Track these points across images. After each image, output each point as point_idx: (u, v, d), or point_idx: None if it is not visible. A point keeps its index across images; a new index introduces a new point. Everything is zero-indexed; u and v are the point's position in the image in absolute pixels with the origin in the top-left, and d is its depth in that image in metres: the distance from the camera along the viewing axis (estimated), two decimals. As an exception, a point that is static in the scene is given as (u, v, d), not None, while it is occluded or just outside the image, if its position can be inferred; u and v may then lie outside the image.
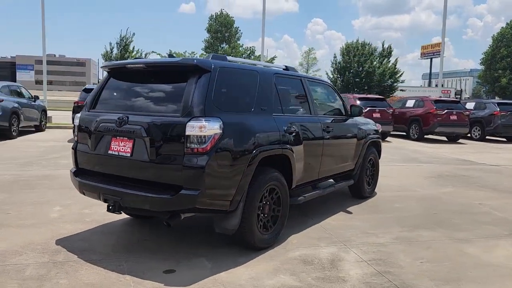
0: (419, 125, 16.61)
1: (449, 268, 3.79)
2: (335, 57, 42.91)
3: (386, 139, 15.90)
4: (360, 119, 6.19)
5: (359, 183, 6.10)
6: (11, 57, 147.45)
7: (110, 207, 3.71)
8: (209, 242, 4.21)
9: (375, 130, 6.47)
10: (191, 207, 3.43)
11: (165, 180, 3.50)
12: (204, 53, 46.45)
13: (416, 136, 16.72)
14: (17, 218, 4.85)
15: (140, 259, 3.77)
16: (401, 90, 42.66)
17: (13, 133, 12.33)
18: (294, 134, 4.40)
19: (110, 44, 43.95)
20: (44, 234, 4.32)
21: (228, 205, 3.65)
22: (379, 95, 22.88)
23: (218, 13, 48.99)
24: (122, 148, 3.72)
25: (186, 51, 45.86)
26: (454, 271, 3.71)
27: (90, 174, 4.04)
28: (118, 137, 3.76)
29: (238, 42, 48.48)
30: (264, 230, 4.08)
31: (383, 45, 41.04)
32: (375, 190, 6.72)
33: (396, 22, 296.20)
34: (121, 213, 3.76)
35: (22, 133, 13.48)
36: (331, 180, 5.71)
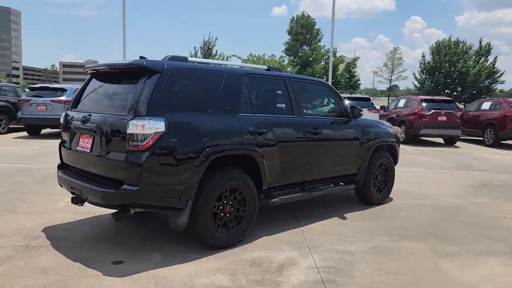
0: (494, 129, 15.13)
1: (406, 282, 3.50)
2: (423, 56, 40.73)
3: (455, 145, 14.76)
4: (366, 121, 5.90)
5: (364, 189, 5.80)
6: (93, 60, 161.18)
7: (73, 199, 4.01)
8: (176, 238, 4.32)
9: (386, 133, 6.11)
10: (131, 202, 3.59)
11: (113, 175, 3.70)
12: (284, 55, 46.79)
13: (491, 141, 15.25)
14: (29, 206, 5.40)
15: (101, 249, 4.02)
16: (500, 91, 39.12)
17: None
18: (264, 134, 4.35)
19: (195, 48, 46.19)
20: (39, 221, 4.77)
21: (177, 202, 3.74)
22: (448, 97, 21.14)
23: (300, 15, 48.95)
24: (85, 145, 4.01)
25: (265, 53, 46.67)
26: (408, 286, 3.42)
27: (69, 168, 4.40)
28: (82, 134, 4.06)
29: (319, 43, 48.06)
30: (224, 229, 4.10)
31: (480, 43, 38.01)
32: (391, 197, 6.35)
33: (508, 16, 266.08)
34: (83, 204, 4.02)
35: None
36: (331, 183, 5.51)
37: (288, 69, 45.94)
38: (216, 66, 4.46)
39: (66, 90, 13.63)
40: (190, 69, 4.05)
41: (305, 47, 48.71)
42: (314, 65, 45.97)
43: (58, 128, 12.56)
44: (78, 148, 4.12)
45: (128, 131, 3.54)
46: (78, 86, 15.42)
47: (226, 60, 46.57)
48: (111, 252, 3.96)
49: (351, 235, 4.63)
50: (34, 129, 13.85)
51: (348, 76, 47.18)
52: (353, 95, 18.43)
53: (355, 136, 5.55)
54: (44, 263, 3.67)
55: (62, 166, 4.51)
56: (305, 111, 5.04)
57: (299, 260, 3.90)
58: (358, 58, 50.49)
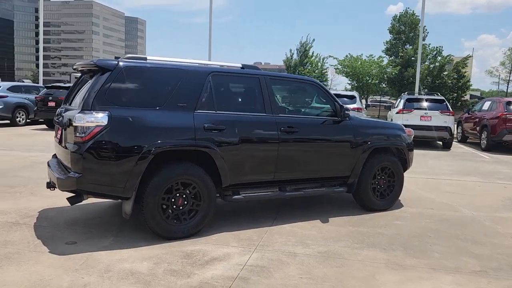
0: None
1: (321, 289, 3.33)
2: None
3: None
4: (364, 122, 5.59)
5: (360, 193, 5.50)
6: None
7: (47, 184, 4.52)
8: (143, 227, 4.56)
9: (390, 135, 5.70)
10: (75, 189, 3.95)
11: (67, 164, 4.11)
12: (384, 55, 44.84)
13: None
14: (43, 190, 6.08)
15: (69, 230, 4.48)
16: None
17: None
18: (223, 131, 4.42)
19: (291, 50, 46.59)
20: (42, 204, 5.41)
21: (121, 192, 4.02)
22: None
23: (403, 12, 46.49)
24: (58, 137, 4.49)
25: (362, 54, 44.87)
26: (320, 293, 3.26)
27: (56, 158, 4.94)
28: (58, 127, 4.55)
29: (424, 42, 45.08)
30: (175, 222, 4.27)
31: None
32: (402, 204, 5.93)
33: None
34: (54, 189, 4.48)
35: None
36: (320, 185, 5.34)
37: (388, 69, 44.04)
38: (175, 65, 4.62)
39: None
40: (143, 68, 4.29)
41: (407, 46, 46.19)
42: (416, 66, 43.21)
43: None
44: (55, 139, 4.63)
45: (73, 124, 3.91)
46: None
47: (322, 61, 46.28)
48: (75, 233, 4.38)
49: (313, 239, 4.47)
50: (50, 122, 15.38)
51: (456, 76, 43.54)
52: (337, 92, 16.58)
53: (345, 137, 5.29)
54: (13, 237, 4.21)
55: (53, 156, 5.07)
56: (281, 109, 4.97)
57: (235, 256, 3.91)
58: (470, 56, 46.39)
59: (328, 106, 5.35)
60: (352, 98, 13.89)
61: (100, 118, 3.88)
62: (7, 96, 15.75)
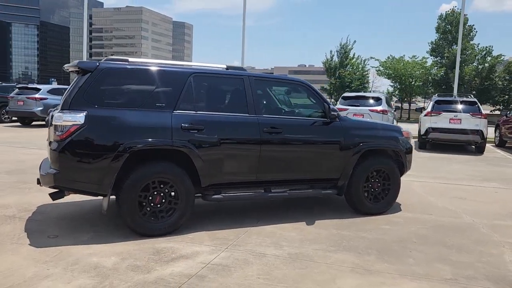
0: None
1: (274, 289, 3.32)
2: None
3: None
4: (356, 124, 5.49)
5: (352, 196, 5.39)
6: (271, 68, 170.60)
7: (37, 180, 4.76)
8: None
9: (384, 137, 5.56)
10: (52, 185, 4.14)
11: (50, 161, 4.33)
12: (428, 56, 43.33)
13: None
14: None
15: (56, 225, 4.70)
16: None
17: None
18: (202, 131, 4.49)
19: (331, 52, 46.03)
20: (44, 199, 5.64)
21: (98, 189, 4.19)
22: None
23: (449, 12, 44.72)
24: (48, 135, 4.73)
25: (404, 55, 43.47)
26: (270, 294, 3.25)
27: None
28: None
29: (472, 42, 43.20)
30: (153, 219, 4.39)
31: None
32: (400, 208, 5.77)
33: None
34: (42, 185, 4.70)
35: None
36: (309, 186, 5.29)
37: (432, 71, 42.53)
38: (156, 66, 4.71)
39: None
40: (123, 69, 4.44)
41: (454, 46, 44.40)
42: (464, 66, 41.42)
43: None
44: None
45: (53, 123, 4.12)
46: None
47: (363, 62, 45.44)
48: (61, 228, 4.60)
49: (290, 240, 4.44)
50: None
51: (508, 77, 41.33)
52: (362, 94, 16.20)
53: (333, 139, 5.21)
54: (3, 229, 4.48)
55: None
56: (265, 110, 4.97)
57: (202, 255, 3.96)
58: (519, 57, 43.92)
59: (318, 107, 5.28)
60: (377, 100, 13.56)
61: (77, 117, 4.06)
62: (47, 98, 16.48)
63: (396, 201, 6.15)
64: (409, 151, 5.76)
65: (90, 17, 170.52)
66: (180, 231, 4.54)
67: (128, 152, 4.18)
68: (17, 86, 19.50)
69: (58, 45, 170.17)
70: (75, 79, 4.34)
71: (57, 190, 4.33)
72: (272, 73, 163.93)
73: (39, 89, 17.11)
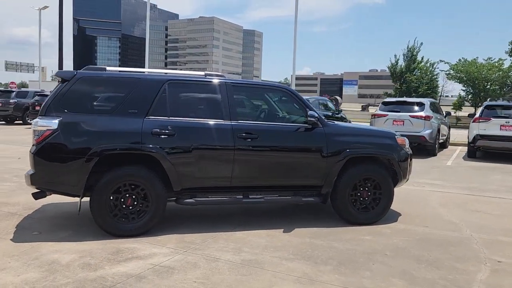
0: None
1: (202, 294, 3.33)
2: None
3: None
4: (342, 129, 5.31)
5: (338, 205, 5.22)
6: (340, 74, 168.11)
7: None
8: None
9: (373, 144, 5.31)
10: (30, 185, 4.48)
11: None
12: (504, 57, 40.12)
13: None
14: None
15: (46, 222, 5.05)
16: None
17: None
18: (173, 136, 4.62)
19: (395, 56, 44.35)
20: (52, 199, 6.00)
21: (72, 190, 4.47)
22: None
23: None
24: None
25: (477, 57, 40.49)
26: (196, 298, 3.27)
27: None
28: None
29: None
30: (124, 220, 4.58)
31: None
32: (396, 218, 5.48)
33: None
34: None
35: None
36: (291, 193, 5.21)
37: (511, 74, 39.37)
38: (131, 75, 4.90)
39: None
40: (99, 78, 4.70)
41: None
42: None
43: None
44: None
45: (32, 128, 4.47)
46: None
47: (432, 66, 43.20)
48: (49, 225, 4.94)
49: (254, 247, 4.40)
50: None
51: None
52: (403, 99, 14.89)
53: (314, 145, 5.09)
54: (-2, 225, 4.91)
55: None
56: (242, 116, 4.98)
57: (157, 257, 4.06)
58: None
59: (300, 113, 5.19)
60: (420, 105, 12.84)
61: (50, 123, 4.37)
62: None
63: (399, 211, 5.89)
64: (403, 159, 5.44)
65: (166, 28, 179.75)
66: (153, 232, 4.69)
67: (97, 156, 4.40)
68: None
69: (136, 55, 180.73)
70: (55, 87, 4.67)
71: (38, 190, 4.66)
72: (342, 78, 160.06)
73: None
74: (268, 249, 4.37)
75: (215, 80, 5.01)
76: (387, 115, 12.81)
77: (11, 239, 4.45)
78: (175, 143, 4.64)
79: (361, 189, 5.28)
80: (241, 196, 4.98)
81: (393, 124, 12.64)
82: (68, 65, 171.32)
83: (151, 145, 4.55)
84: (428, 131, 12.32)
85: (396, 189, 6.81)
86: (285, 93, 5.30)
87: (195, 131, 4.75)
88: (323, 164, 5.09)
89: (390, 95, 45.34)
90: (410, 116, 12.51)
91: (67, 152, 4.42)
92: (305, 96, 17.55)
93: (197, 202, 4.82)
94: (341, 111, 16.73)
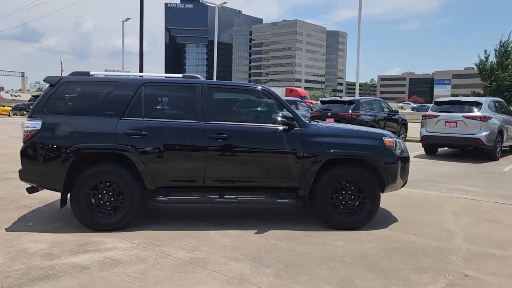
0: None
1: (131, 284, 3.48)
2: None
3: None
4: (320, 130, 5.14)
5: (318, 207, 5.06)
6: (431, 73, 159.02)
7: None
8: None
9: (354, 145, 5.05)
10: (20, 179, 4.96)
11: None
12: None
13: None
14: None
15: (47, 215, 5.55)
16: None
17: None
18: (145, 137, 4.84)
19: (485, 52, 40.94)
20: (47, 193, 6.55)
21: (52, 185, 4.88)
22: None
23: None
24: None
25: None
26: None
27: None
28: None
29: None
30: (101, 215, 4.89)
31: None
32: (386, 224, 5.19)
33: None
34: None
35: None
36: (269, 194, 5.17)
37: None
38: (110, 77, 5.18)
39: None
40: (80, 82, 5.07)
41: None
42: None
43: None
44: None
45: (22, 128, 4.96)
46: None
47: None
48: (47, 218, 5.41)
49: (214, 246, 4.44)
50: None
51: None
52: (456, 99, 12.97)
53: (289, 146, 4.98)
54: (6, 215, 5.48)
55: None
56: (216, 116, 5.03)
57: (115, 251, 4.28)
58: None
59: (275, 114, 5.12)
60: (477, 105, 11.73)
61: (35, 123, 4.82)
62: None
63: (399, 217, 5.61)
64: (391, 161, 5.11)
65: (250, 33, 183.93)
66: (129, 228, 4.93)
67: (73, 154, 4.76)
68: None
69: (223, 60, 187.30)
70: (44, 91, 5.14)
71: (32, 185, 5.15)
72: (433, 78, 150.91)
73: None
74: (226, 249, 4.39)
75: (190, 82, 5.14)
76: (439, 115, 11.97)
77: (5, 228, 4.96)
78: (147, 143, 4.85)
79: (344, 192, 5.07)
80: (217, 196, 5.04)
81: (445, 125, 11.80)
82: (160, 72, 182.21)
83: (123, 145, 4.80)
84: (485, 133, 11.29)
85: (412, 194, 6.57)
86: (262, 94, 5.26)
87: (167, 131, 4.92)
88: (299, 166, 4.97)
89: (478, 94, 41.92)
90: (464, 116, 11.56)
91: (49, 150, 4.83)
92: (358, 97, 16.79)
93: (169, 200, 4.98)
94: (397, 111, 15.93)
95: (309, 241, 4.67)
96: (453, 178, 8.85)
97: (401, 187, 5.53)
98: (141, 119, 4.94)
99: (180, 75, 5.34)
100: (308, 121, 5.44)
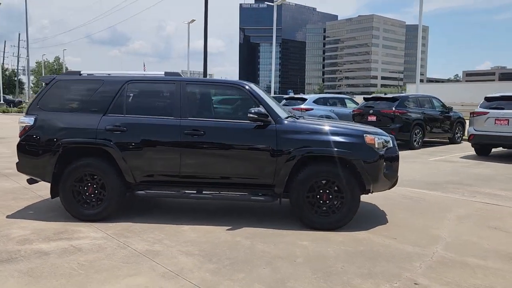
0: None
1: (74, 275, 3.68)
2: None
3: None
4: (297, 127, 4.98)
5: (293, 206, 4.95)
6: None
7: None
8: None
9: (337, 143, 4.82)
10: (17, 171, 5.40)
11: None
12: None
13: None
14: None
15: (51, 205, 5.99)
16: None
17: (415, 144, 13.09)
18: (124, 132, 5.05)
19: None
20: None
21: (42, 176, 5.26)
22: None
23: None
24: None
25: None
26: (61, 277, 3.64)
27: None
28: None
29: None
30: (86, 206, 5.19)
31: None
32: (371, 227, 4.95)
33: None
34: None
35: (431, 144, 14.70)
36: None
37: None
38: (97, 76, 5.41)
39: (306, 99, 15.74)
40: (71, 80, 5.39)
41: None
42: None
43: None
44: None
45: (18, 124, 5.41)
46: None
47: None
48: (47, 207, 5.84)
49: (175, 240, 4.51)
50: None
51: None
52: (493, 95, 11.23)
53: (263, 143, 4.91)
54: (18, 203, 5.98)
55: None
56: (192, 113, 5.10)
57: (85, 239, 4.52)
58: None
59: (253, 109, 5.05)
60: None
61: (29, 119, 5.23)
62: (312, 109, 15.10)
63: (391, 219, 5.39)
64: (371, 160, 4.83)
65: (324, 30, 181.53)
66: (111, 219, 5.16)
67: (59, 148, 5.09)
68: (285, 97, 19.03)
69: (296, 59, 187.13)
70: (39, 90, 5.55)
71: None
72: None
73: (305, 99, 15.96)
74: (186, 243, 4.44)
75: (170, 79, 5.26)
76: (488, 113, 11.00)
77: (7, 215, 5.43)
78: (126, 139, 5.05)
79: (321, 191, 4.89)
80: (194, 191, 5.11)
81: (495, 123, 10.82)
82: (235, 71, 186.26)
83: (104, 140, 5.04)
84: (540, 132, 10.20)
85: (427, 196, 6.26)
86: (239, 90, 5.22)
87: (146, 128, 5.08)
88: (273, 163, 4.88)
89: None
90: (516, 113, 10.52)
91: (40, 145, 5.20)
92: (408, 93, 15.67)
93: (147, 194, 5.14)
94: (451, 109, 14.86)
95: (276, 240, 4.57)
96: (488, 181, 8.10)
97: (389, 188, 5.20)
98: (123, 115, 5.14)
99: (162, 73, 5.49)
100: (293, 118, 5.33)
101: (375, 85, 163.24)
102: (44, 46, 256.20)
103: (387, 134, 5.26)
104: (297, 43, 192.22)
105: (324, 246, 4.39)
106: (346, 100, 17.26)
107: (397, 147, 5.28)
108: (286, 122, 5.03)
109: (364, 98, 14.75)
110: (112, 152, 5.04)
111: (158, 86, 5.40)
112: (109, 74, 5.46)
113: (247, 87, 5.18)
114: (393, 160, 5.04)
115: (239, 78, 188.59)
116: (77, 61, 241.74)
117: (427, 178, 8.33)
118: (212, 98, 5.62)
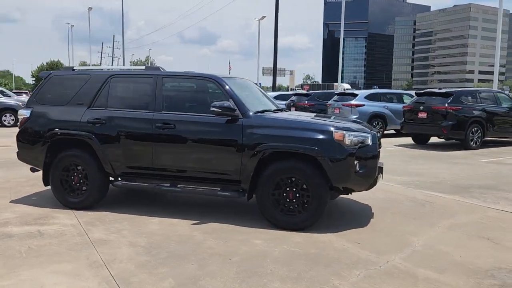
0: None
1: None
2: None
3: None
4: (266, 121, 4.81)
5: (258, 203, 4.79)
6: None
7: None
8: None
9: (300, 138, 4.57)
10: (18, 159, 5.86)
11: None
12: None
13: None
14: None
15: (50, 192, 6.44)
16: None
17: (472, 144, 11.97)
18: (103, 125, 5.26)
19: None
20: None
21: (38, 165, 5.66)
22: None
23: None
24: None
25: None
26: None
27: None
28: None
29: None
30: (72, 194, 5.50)
31: None
32: (336, 232, 4.66)
33: None
34: None
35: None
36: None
37: None
38: (86, 71, 5.64)
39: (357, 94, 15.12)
40: (64, 75, 5.71)
41: None
42: None
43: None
44: None
45: (18, 116, 5.86)
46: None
47: None
48: (48, 194, 6.28)
49: (134, 232, 4.59)
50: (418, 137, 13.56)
51: None
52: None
53: (229, 138, 4.80)
54: (26, 190, 6.52)
55: None
56: (166, 106, 5.14)
57: (55, 226, 4.80)
58: None
59: (219, 104, 4.96)
60: None
61: (26, 112, 5.65)
62: (363, 105, 14.60)
63: (375, 222, 5.12)
64: (339, 157, 4.48)
65: (413, 23, 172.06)
66: (96, 208, 5.41)
67: (48, 139, 5.44)
68: (336, 92, 18.60)
69: (382, 53, 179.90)
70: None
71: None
72: None
73: (356, 95, 15.36)
74: (141, 234, 4.51)
75: (149, 73, 5.35)
76: None
77: (11, 199, 5.93)
78: (104, 131, 5.25)
79: (288, 189, 4.67)
80: (168, 184, 5.18)
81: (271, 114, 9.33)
82: (317, 67, 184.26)
83: (85, 132, 5.29)
84: None
85: (437, 200, 5.89)
86: (211, 83, 5.15)
87: (121, 120, 5.23)
88: (239, 158, 4.76)
89: None
90: None
91: (34, 135, 5.60)
92: (479, 87, 13.98)
93: (123, 185, 5.33)
94: None
95: (231, 236, 4.46)
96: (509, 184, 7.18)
97: (368, 189, 4.81)
98: (104, 109, 5.35)
99: (143, 67, 5.59)
100: (273, 112, 5.18)
101: (471, 80, 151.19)
102: (139, 46, 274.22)
103: (367, 130, 4.86)
104: (385, 37, 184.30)
105: (273, 246, 4.19)
106: (404, 96, 16.23)
107: (378, 145, 4.86)
108: (254, 116, 4.87)
109: (416, 93, 13.72)
110: (92, 144, 5.27)
111: (138, 80, 5.52)
112: (102, 70, 5.72)
113: (218, 80, 5.10)
114: (367, 159, 4.64)
115: (322, 74, 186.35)
116: (169, 60, 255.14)
117: (459, 180, 7.55)
118: (185, 91, 5.62)
